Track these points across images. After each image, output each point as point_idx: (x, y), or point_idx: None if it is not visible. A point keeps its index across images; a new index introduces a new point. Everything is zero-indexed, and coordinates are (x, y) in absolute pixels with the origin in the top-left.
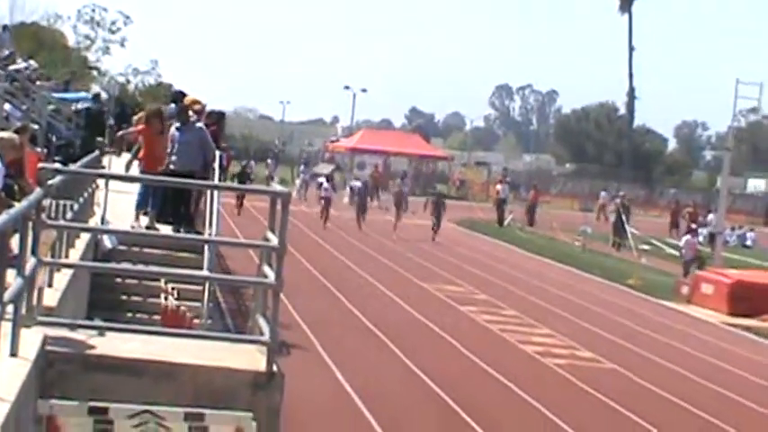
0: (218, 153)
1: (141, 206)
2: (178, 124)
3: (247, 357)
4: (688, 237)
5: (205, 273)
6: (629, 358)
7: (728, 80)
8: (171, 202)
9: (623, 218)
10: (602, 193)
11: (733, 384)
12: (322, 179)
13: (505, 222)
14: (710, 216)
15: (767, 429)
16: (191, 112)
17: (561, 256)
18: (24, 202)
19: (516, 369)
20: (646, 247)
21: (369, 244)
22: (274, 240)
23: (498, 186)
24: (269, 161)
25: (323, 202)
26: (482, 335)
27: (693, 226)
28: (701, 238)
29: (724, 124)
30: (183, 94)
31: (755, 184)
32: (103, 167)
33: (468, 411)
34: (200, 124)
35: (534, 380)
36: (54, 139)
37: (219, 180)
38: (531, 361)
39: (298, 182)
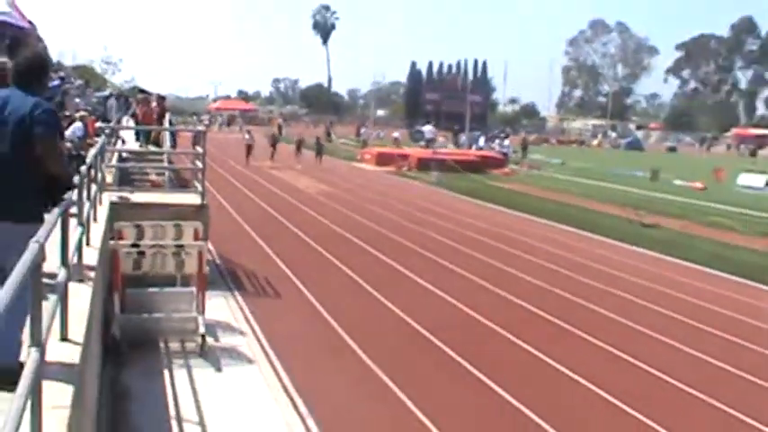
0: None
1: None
2: None
3: (193, 198)
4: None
5: (165, 164)
6: (337, 183)
7: None
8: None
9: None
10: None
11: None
12: (245, 133)
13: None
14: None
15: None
16: None
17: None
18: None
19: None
20: None
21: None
22: (200, 149)
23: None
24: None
25: (247, 147)
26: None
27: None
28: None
29: None
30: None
31: None
32: None
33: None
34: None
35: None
36: None
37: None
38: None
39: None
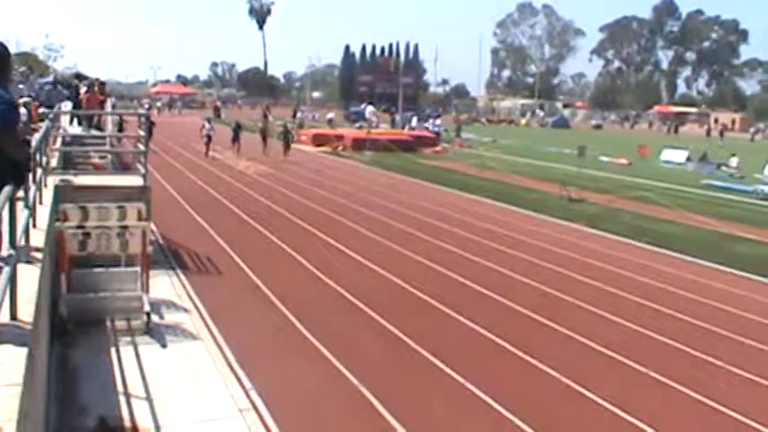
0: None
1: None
2: None
3: (136, 180)
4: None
5: (107, 147)
6: (275, 163)
7: None
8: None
9: None
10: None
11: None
12: (204, 122)
13: None
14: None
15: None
16: None
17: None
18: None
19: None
20: None
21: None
22: (142, 132)
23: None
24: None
25: (206, 138)
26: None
27: None
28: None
29: None
30: None
31: None
32: None
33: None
34: None
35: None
36: None
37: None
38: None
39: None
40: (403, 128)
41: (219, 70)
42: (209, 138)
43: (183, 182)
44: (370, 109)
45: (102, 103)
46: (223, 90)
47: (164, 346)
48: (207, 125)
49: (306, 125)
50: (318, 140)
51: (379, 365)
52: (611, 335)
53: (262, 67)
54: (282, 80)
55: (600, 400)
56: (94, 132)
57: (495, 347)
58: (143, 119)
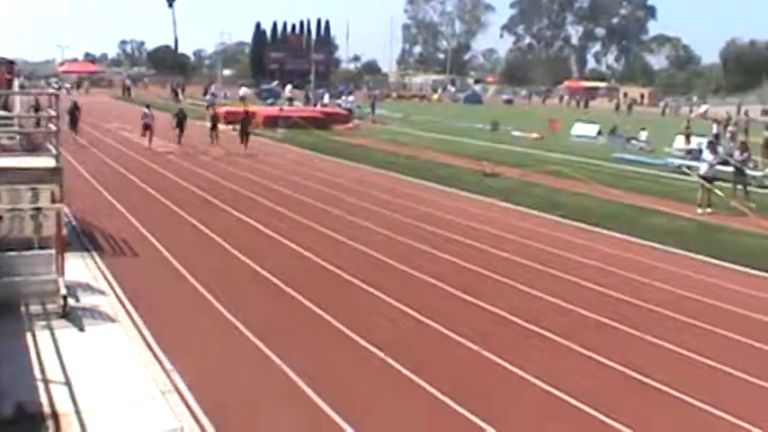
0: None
1: None
2: None
3: (47, 161)
4: None
5: (15, 128)
6: (186, 142)
7: None
8: None
9: None
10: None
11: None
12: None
13: None
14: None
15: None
16: None
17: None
18: None
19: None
20: None
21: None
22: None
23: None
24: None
25: (144, 127)
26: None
27: None
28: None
29: None
30: None
31: None
32: None
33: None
34: None
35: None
36: None
37: None
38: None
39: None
40: (315, 105)
41: (129, 48)
42: (148, 126)
43: (95, 161)
44: (289, 87)
45: (9, 83)
46: (132, 69)
47: (81, 329)
48: (146, 110)
49: (217, 102)
50: (230, 118)
51: (299, 341)
52: (530, 308)
53: (172, 45)
54: (193, 58)
55: (524, 374)
56: (1, 113)
57: (412, 319)
58: (59, 100)
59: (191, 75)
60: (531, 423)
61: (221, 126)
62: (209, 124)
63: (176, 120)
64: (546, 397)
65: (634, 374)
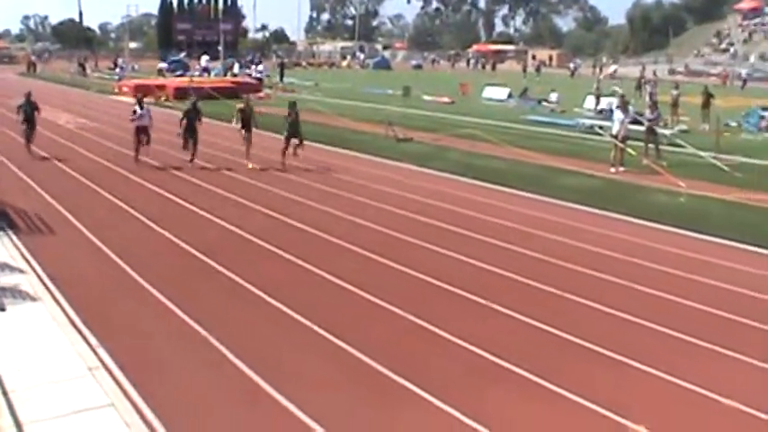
0: None
1: None
2: None
3: None
4: None
5: None
6: (97, 116)
7: None
8: None
9: None
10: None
11: None
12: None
13: None
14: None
15: None
16: None
17: None
18: None
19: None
20: None
21: None
22: None
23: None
24: None
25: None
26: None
27: None
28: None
29: None
30: None
31: None
32: None
33: None
34: None
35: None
36: None
37: None
38: None
39: None
40: (225, 75)
41: (32, 23)
42: (145, 130)
43: (2, 138)
44: (204, 58)
45: None
46: (37, 44)
47: (2, 309)
48: (138, 110)
49: (126, 75)
50: (140, 91)
51: (220, 312)
52: (449, 270)
53: (77, 19)
54: (99, 31)
55: (447, 335)
56: None
57: (330, 286)
58: None
59: (97, 48)
60: (454, 380)
61: (131, 99)
62: (123, 99)
63: (186, 121)
64: (470, 356)
65: (556, 332)
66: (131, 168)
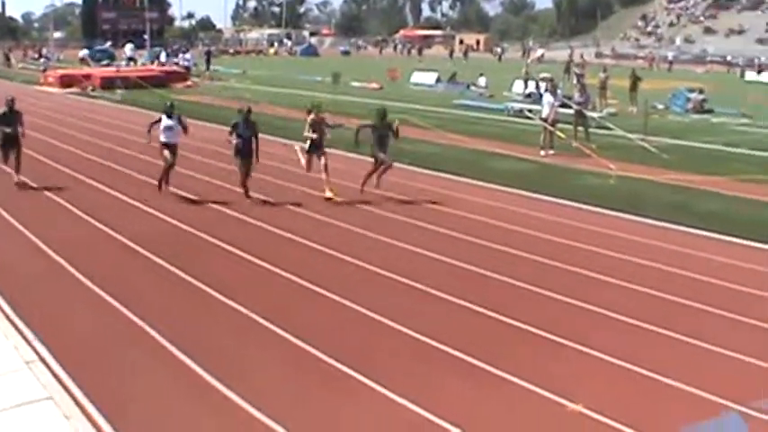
0: None
1: None
2: None
3: None
4: None
5: None
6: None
7: None
8: None
9: None
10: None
11: None
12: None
13: None
14: None
15: None
16: None
17: None
18: None
19: None
20: None
21: None
22: None
23: None
24: None
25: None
26: None
27: None
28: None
29: None
30: None
31: None
32: None
33: None
34: None
35: None
36: None
37: None
38: None
39: None
40: (152, 63)
41: None
42: (174, 150)
43: None
44: (129, 46)
45: None
46: None
47: None
48: (167, 120)
49: (51, 65)
50: (66, 81)
51: (155, 302)
52: (386, 256)
53: (0, 9)
54: (21, 21)
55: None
56: None
57: (256, 267)
58: None
59: (20, 38)
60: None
61: (56, 90)
62: (48, 89)
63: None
64: (412, 341)
65: (491, 314)
66: (59, 159)
